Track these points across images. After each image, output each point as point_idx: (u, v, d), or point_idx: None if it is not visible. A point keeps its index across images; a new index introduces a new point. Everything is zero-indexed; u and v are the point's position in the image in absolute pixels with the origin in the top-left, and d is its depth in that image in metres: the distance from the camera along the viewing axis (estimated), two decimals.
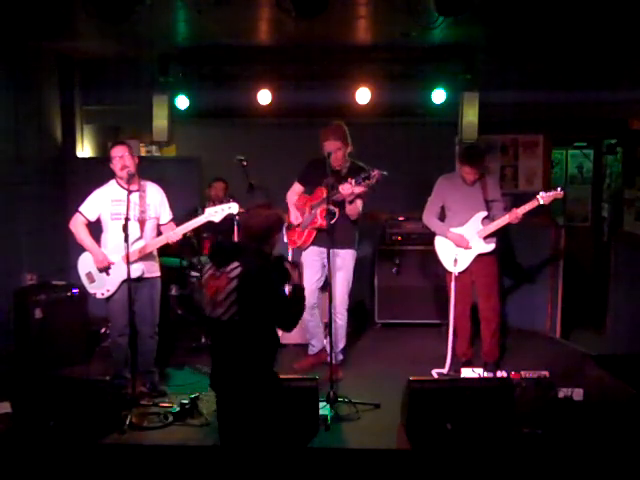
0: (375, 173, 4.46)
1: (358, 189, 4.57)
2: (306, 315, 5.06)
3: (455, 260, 4.92)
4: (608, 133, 7.39)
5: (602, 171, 7.94)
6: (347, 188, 4.55)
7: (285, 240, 5.13)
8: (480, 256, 4.96)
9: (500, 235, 5.06)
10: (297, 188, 5.11)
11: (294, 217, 5.01)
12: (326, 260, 4.80)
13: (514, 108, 6.47)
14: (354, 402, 4.27)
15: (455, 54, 6.15)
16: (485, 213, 4.95)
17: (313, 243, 4.96)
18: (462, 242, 4.94)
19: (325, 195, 4.69)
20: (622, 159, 7.21)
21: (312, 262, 4.99)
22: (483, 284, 5.03)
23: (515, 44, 6.04)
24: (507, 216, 4.81)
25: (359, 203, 4.78)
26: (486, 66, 6.30)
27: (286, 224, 5.10)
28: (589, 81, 6.33)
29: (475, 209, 4.96)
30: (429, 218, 5.14)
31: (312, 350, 5.22)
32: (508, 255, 6.56)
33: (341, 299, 4.92)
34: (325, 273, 4.93)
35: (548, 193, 4.74)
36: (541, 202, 4.74)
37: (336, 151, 4.74)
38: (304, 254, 5.03)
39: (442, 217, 5.17)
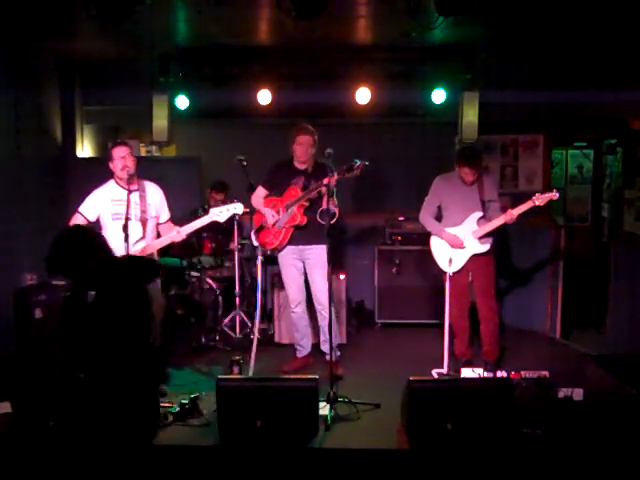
0: (359, 164, 4.48)
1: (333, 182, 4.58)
2: (299, 313, 5.09)
3: (450, 260, 4.92)
4: (608, 133, 7.40)
5: (602, 171, 7.94)
6: (333, 180, 4.54)
7: (256, 243, 5.09)
8: (476, 256, 4.96)
9: (496, 235, 5.06)
10: (261, 192, 5.10)
11: (270, 216, 4.96)
12: (305, 257, 4.95)
13: (514, 108, 6.47)
14: (354, 402, 4.27)
15: (455, 54, 6.15)
16: (481, 213, 4.96)
17: (289, 242, 4.97)
18: (456, 242, 4.95)
19: (300, 194, 4.83)
20: (622, 159, 7.22)
21: (292, 261, 5.03)
22: (480, 284, 5.04)
23: (515, 44, 6.04)
24: (502, 217, 4.83)
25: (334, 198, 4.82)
26: (486, 66, 6.31)
27: (255, 227, 5.11)
28: (589, 81, 6.33)
29: (471, 209, 4.97)
30: (425, 218, 5.16)
31: (301, 352, 5.19)
32: (508, 255, 6.56)
33: (323, 292, 4.86)
34: (304, 269, 5.03)
35: (544, 195, 4.76)
36: (536, 203, 4.75)
37: (305, 145, 4.83)
38: (281, 255, 5.06)
39: (439, 217, 5.17)
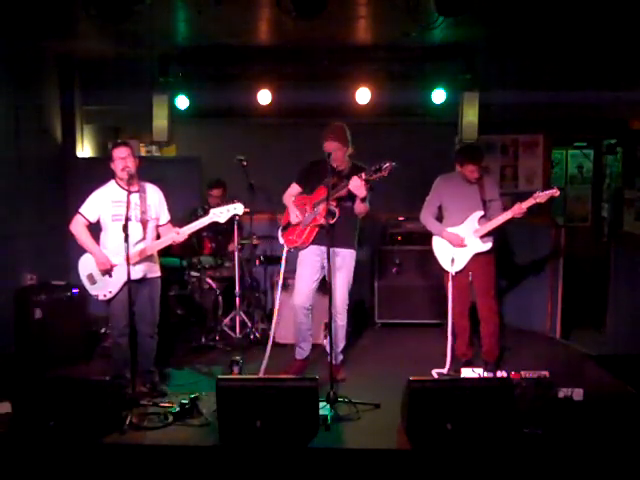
0: (387, 165, 4.39)
1: (363, 185, 4.51)
2: (301, 317, 4.98)
3: (452, 260, 4.93)
4: (608, 133, 7.40)
5: (602, 171, 7.95)
6: (356, 181, 4.48)
7: (281, 241, 4.99)
8: (477, 255, 4.96)
9: (497, 235, 5.05)
10: (294, 190, 5.00)
11: (294, 216, 4.87)
12: (326, 260, 4.77)
13: (514, 108, 6.48)
14: (354, 402, 4.27)
15: (455, 54, 6.15)
16: (482, 213, 4.95)
17: (313, 242, 4.87)
18: (457, 241, 4.94)
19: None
20: (622, 159, 7.22)
21: (312, 261, 4.90)
22: (480, 283, 5.02)
23: (515, 44, 6.04)
24: (509, 212, 4.79)
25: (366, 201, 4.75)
26: (486, 66, 6.31)
27: (281, 225, 5.02)
28: (589, 81, 6.34)
29: (472, 209, 4.96)
30: (426, 217, 5.15)
31: (300, 354, 5.07)
32: (508, 255, 6.56)
33: (342, 299, 4.88)
34: (324, 273, 4.90)
35: (544, 192, 4.74)
36: (537, 200, 4.72)
37: (335, 151, 4.68)
38: (302, 253, 4.93)
39: (440, 217, 5.16)
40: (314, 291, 4.97)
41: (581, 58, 6.30)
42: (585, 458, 3.65)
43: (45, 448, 3.74)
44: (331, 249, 4.70)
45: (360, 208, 4.74)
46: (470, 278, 5.05)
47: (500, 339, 5.22)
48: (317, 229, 4.82)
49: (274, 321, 5.09)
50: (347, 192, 4.57)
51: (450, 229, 5.01)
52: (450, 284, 4.97)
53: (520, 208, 4.74)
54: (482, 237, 4.94)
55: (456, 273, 4.96)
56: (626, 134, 6.65)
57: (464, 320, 5.11)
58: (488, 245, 4.96)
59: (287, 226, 4.98)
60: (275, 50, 6.27)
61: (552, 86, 6.42)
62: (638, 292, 5.45)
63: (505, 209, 4.93)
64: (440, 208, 5.15)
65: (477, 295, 5.06)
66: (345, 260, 4.86)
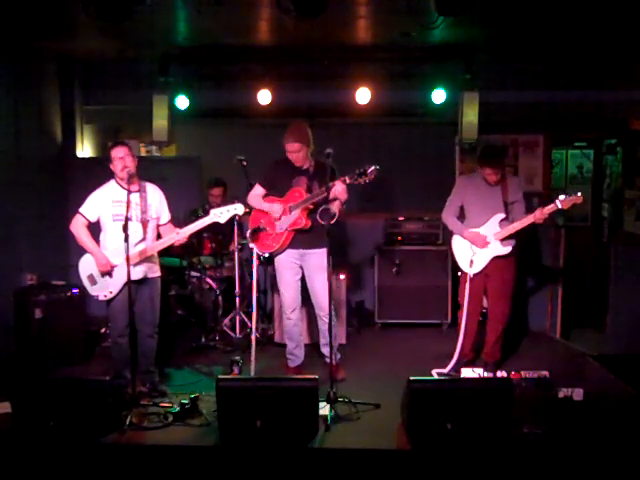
0: (372, 169, 4.36)
1: (345, 189, 4.51)
2: (295, 319, 4.97)
3: (471, 261, 4.89)
4: (608, 133, 7.40)
5: (602, 171, 7.95)
6: (339, 186, 4.47)
7: (252, 246, 4.91)
8: (497, 258, 4.87)
9: (519, 238, 4.93)
10: (259, 191, 4.94)
11: (278, 209, 4.77)
12: (305, 261, 4.81)
13: (514, 108, 6.47)
14: (354, 402, 4.27)
15: (455, 54, 6.15)
16: (503, 215, 4.86)
17: (289, 246, 4.82)
18: (479, 241, 4.86)
19: (305, 196, 4.68)
20: (622, 159, 7.22)
21: (290, 264, 4.86)
22: (496, 287, 4.95)
23: (515, 44, 6.04)
24: (530, 216, 4.69)
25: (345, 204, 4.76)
26: (486, 66, 6.31)
27: (250, 229, 4.92)
28: (589, 81, 6.34)
29: (493, 211, 4.86)
30: (447, 217, 5.07)
31: (293, 362, 5.04)
32: None
33: (325, 299, 4.73)
34: (302, 272, 4.89)
35: (568, 198, 4.60)
36: (559, 206, 4.60)
37: (297, 152, 4.69)
38: (280, 258, 4.88)
39: (461, 218, 5.08)
40: (299, 293, 4.95)
41: (581, 58, 6.29)
42: (585, 458, 3.65)
43: (45, 448, 3.75)
44: (306, 250, 4.79)
45: (336, 209, 4.69)
46: (485, 280, 4.97)
47: (503, 343, 5.19)
48: (293, 233, 4.78)
49: (254, 324, 5.06)
50: (325, 197, 4.50)
51: (471, 230, 4.95)
52: (467, 285, 4.92)
53: (542, 213, 4.64)
54: (502, 240, 4.85)
55: (474, 275, 4.92)
56: (626, 134, 6.64)
57: (473, 323, 5.05)
58: (508, 249, 4.87)
59: (257, 230, 4.89)
60: (275, 50, 6.27)
61: (552, 86, 6.42)
62: (638, 292, 5.45)
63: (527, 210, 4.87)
64: (461, 209, 5.07)
65: (490, 297, 5.01)
66: (323, 259, 4.78)
